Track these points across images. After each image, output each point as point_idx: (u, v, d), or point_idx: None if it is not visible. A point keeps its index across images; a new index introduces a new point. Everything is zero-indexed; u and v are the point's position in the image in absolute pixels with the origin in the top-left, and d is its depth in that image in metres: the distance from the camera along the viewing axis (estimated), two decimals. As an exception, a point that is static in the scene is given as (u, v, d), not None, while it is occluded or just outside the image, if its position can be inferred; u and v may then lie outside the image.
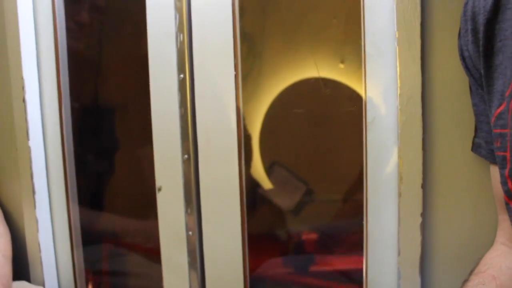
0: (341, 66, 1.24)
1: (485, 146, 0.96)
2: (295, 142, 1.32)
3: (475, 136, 0.99)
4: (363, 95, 1.13)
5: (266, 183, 1.34)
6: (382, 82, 1.10)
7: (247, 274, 1.28)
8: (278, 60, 1.30)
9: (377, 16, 1.10)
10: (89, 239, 1.47)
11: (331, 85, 1.24)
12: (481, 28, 0.86)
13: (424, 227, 1.07)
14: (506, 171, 0.84)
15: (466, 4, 0.91)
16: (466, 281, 0.92)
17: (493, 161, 0.93)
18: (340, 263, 1.32)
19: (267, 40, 1.32)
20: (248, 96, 1.27)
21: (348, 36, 1.23)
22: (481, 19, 0.86)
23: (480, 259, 0.95)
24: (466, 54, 0.93)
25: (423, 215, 1.06)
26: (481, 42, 0.87)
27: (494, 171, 0.94)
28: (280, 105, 1.30)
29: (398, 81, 1.06)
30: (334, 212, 1.31)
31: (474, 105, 0.97)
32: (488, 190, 1.01)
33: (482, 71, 0.88)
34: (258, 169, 1.32)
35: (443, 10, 1.04)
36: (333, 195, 1.30)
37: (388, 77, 1.09)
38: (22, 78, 1.38)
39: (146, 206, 1.38)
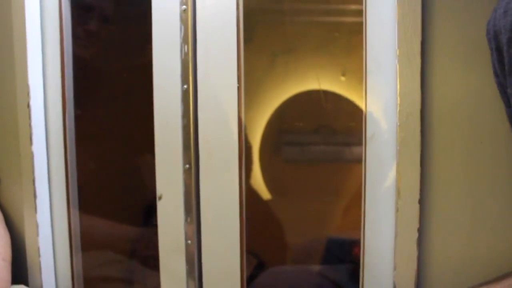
0: (342, 79, 1.26)
1: None
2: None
3: None
4: (363, 110, 1.15)
5: (265, 194, 1.36)
6: (382, 98, 1.12)
7: (245, 284, 1.29)
8: (281, 72, 1.32)
9: (379, 32, 1.12)
10: (89, 245, 1.48)
11: (332, 98, 1.26)
12: (504, 47, 0.86)
13: (421, 242, 1.08)
14: None
15: (488, 23, 0.92)
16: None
17: None
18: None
19: (272, 52, 1.34)
20: (250, 108, 1.29)
21: (350, 50, 1.25)
22: (503, 38, 0.86)
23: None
24: (495, 71, 0.93)
25: (420, 230, 1.07)
26: (505, 60, 0.87)
27: None
28: (281, 117, 1.31)
29: (398, 97, 1.08)
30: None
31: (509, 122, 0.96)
32: (485, 207, 1.03)
33: (508, 90, 0.88)
34: (258, 180, 1.34)
35: (444, 28, 1.06)
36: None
37: (388, 93, 1.11)
38: (27, 84, 1.40)
39: (146, 214, 1.39)
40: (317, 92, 1.28)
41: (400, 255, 1.09)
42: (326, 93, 1.27)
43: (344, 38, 1.26)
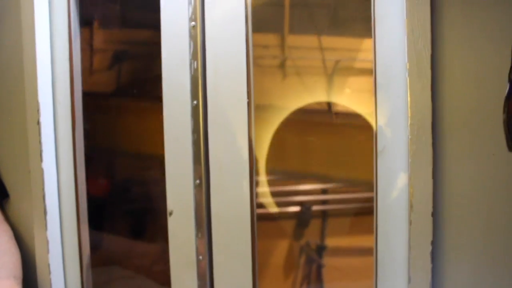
0: (352, 93, 1.27)
1: None
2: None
3: None
4: (373, 124, 1.16)
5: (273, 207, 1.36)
6: (393, 112, 1.13)
7: (257, 299, 1.29)
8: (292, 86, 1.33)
9: (388, 47, 1.13)
10: (99, 261, 1.48)
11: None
12: None
13: (434, 255, 1.08)
14: None
15: None
16: None
17: None
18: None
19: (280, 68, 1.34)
20: (260, 123, 1.29)
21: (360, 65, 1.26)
22: None
23: None
24: None
25: (433, 243, 1.07)
26: None
27: None
28: (290, 131, 1.32)
29: (409, 111, 1.09)
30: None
31: None
32: (498, 219, 1.03)
33: None
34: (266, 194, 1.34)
35: (453, 41, 1.07)
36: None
37: (399, 107, 1.12)
38: (37, 101, 1.41)
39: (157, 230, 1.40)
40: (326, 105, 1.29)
41: (414, 268, 1.09)
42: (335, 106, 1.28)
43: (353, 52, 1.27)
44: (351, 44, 1.28)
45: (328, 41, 1.30)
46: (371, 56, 1.15)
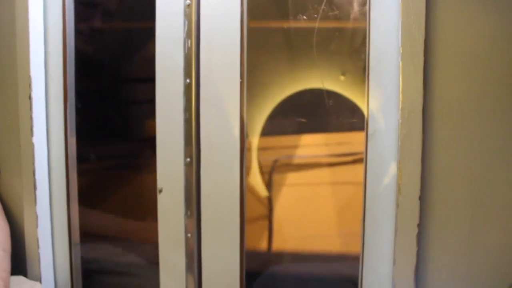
0: (342, 78, 1.27)
1: None
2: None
3: None
4: (365, 108, 1.16)
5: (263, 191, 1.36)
6: (385, 96, 1.13)
7: (244, 277, 1.30)
8: (282, 69, 1.33)
9: (382, 31, 1.13)
10: (87, 237, 1.48)
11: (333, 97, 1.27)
12: None
13: (420, 238, 1.09)
14: None
15: None
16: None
17: None
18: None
19: (273, 49, 1.34)
20: (252, 103, 1.29)
21: (352, 49, 1.26)
22: None
23: None
24: None
25: (420, 226, 1.09)
26: None
27: None
28: (282, 113, 1.32)
29: (400, 95, 1.09)
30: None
31: None
32: (485, 204, 1.04)
33: None
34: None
35: (447, 27, 1.08)
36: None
37: (391, 91, 1.12)
38: (29, 76, 1.40)
39: (146, 207, 1.40)
40: (319, 91, 1.29)
41: (399, 251, 1.10)
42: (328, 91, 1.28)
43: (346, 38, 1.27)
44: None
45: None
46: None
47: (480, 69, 1.07)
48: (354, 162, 1.23)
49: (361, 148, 1.17)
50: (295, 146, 1.32)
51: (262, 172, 1.34)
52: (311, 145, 1.31)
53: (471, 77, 1.07)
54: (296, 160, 1.33)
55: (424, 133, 1.08)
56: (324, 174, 1.31)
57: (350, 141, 1.24)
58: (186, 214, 1.31)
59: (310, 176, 1.32)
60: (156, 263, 1.37)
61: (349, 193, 1.26)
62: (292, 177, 1.34)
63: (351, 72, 1.24)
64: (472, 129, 1.08)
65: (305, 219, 1.33)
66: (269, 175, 1.34)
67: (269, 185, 1.34)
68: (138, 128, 1.49)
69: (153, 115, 1.33)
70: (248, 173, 1.31)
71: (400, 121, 1.09)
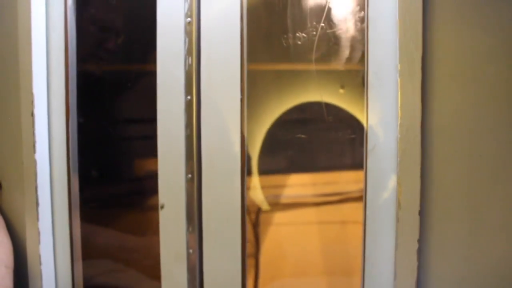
0: (342, 91, 1.28)
1: None
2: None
3: None
4: (364, 123, 1.18)
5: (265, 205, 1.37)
6: (383, 112, 1.15)
7: (245, 293, 1.30)
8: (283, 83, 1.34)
9: (380, 48, 1.15)
10: (89, 254, 1.49)
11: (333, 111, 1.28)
12: None
13: (421, 253, 1.10)
14: None
15: None
16: None
17: None
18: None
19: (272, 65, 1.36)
20: (252, 119, 1.30)
21: (350, 64, 1.27)
22: None
23: None
24: None
25: (420, 241, 1.09)
26: None
27: None
28: (282, 128, 1.33)
29: (399, 111, 1.11)
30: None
31: None
32: (484, 218, 1.05)
33: None
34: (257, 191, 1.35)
35: (444, 44, 1.09)
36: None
37: (389, 107, 1.14)
38: (31, 93, 1.41)
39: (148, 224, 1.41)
40: (318, 104, 1.30)
41: (400, 265, 1.11)
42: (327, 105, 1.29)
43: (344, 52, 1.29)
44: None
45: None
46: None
47: (477, 84, 1.08)
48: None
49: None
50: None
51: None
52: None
53: (469, 93, 1.09)
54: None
55: (423, 148, 1.09)
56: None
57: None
58: (187, 229, 1.32)
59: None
60: (158, 279, 1.37)
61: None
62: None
63: (350, 86, 1.25)
64: (471, 144, 1.09)
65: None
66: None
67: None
68: (142, 143, 1.50)
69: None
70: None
71: (399, 136, 1.10)
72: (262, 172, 1.33)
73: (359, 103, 1.20)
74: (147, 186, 1.43)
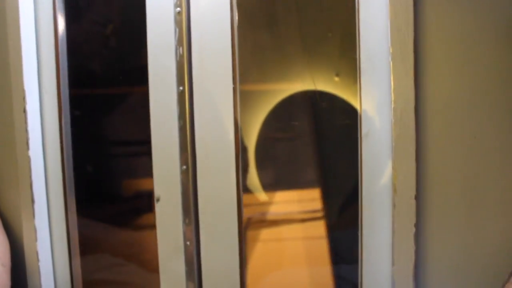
0: (336, 79, 1.27)
1: None
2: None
3: None
4: (358, 108, 1.16)
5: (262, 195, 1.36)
6: (377, 96, 1.13)
7: (244, 284, 1.30)
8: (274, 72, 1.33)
9: (372, 32, 1.14)
10: (87, 249, 1.48)
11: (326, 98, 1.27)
12: None
13: (418, 237, 1.09)
14: None
15: None
16: (507, 282, 0.94)
17: None
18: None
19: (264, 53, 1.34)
20: (245, 108, 1.29)
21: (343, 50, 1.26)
22: None
23: None
24: None
25: (417, 225, 1.09)
26: None
27: None
28: (276, 116, 1.32)
29: (392, 95, 1.10)
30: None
31: None
32: (481, 200, 1.04)
33: None
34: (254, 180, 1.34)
35: (436, 26, 1.08)
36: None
37: (382, 91, 1.13)
38: (23, 89, 1.40)
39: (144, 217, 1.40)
40: (312, 92, 1.29)
41: (398, 251, 1.10)
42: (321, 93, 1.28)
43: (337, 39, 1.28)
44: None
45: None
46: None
47: (470, 66, 1.07)
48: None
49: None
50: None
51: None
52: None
53: (462, 75, 1.08)
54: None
55: (417, 132, 1.08)
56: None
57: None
58: (184, 221, 1.32)
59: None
60: (156, 272, 1.37)
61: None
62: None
63: (345, 73, 1.24)
64: (465, 127, 1.08)
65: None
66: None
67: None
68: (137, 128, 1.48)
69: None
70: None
71: (393, 121, 1.09)
72: (259, 161, 1.32)
73: (353, 89, 1.19)
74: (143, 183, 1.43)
